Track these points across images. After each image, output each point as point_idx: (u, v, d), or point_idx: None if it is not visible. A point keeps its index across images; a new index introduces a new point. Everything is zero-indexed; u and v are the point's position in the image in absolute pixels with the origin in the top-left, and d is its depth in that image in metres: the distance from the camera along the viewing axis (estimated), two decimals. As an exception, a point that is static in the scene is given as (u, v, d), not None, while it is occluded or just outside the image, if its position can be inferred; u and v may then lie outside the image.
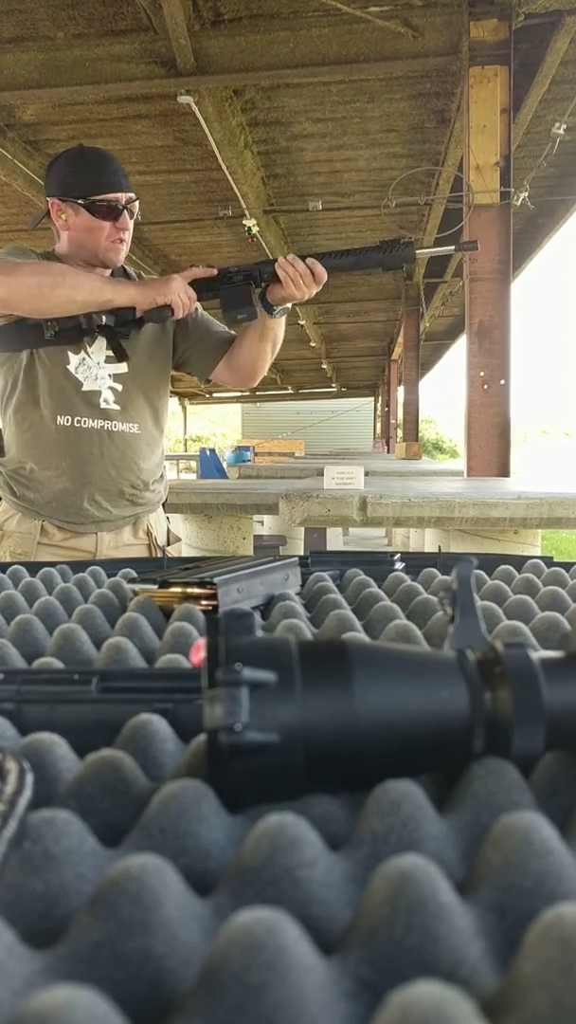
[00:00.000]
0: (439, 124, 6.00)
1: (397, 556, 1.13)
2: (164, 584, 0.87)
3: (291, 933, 0.26)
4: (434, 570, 1.05)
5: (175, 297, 1.56)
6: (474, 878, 0.33)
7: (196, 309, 1.78)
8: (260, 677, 0.38)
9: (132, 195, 1.64)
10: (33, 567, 1.09)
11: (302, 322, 12.25)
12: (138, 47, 4.78)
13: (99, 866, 0.35)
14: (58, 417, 1.64)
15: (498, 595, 0.92)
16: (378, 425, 22.69)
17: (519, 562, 1.11)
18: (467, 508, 2.73)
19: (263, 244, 7.69)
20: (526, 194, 5.23)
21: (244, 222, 7.02)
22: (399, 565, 1.09)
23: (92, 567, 1.08)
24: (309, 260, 1.54)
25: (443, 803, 0.40)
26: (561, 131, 5.22)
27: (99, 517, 1.72)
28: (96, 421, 1.66)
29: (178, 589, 0.85)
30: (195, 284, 1.60)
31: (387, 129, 6.12)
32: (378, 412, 23.15)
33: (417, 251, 1.55)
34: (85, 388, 1.65)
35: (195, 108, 5.04)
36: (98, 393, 1.66)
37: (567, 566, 1.07)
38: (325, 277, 1.56)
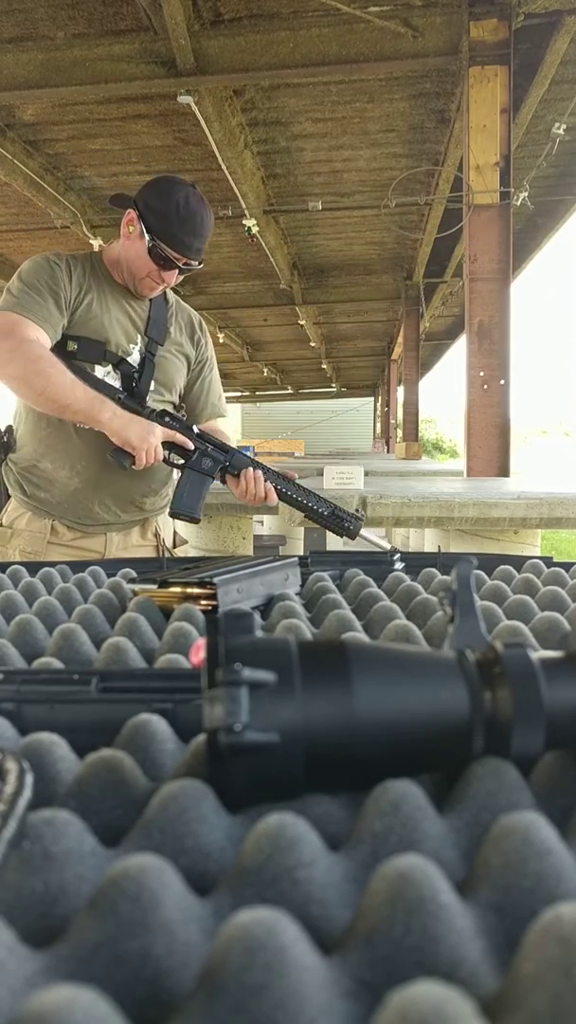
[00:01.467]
0: (439, 124, 6.00)
1: (397, 556, 1.13)
2: (164, 584, 0.87)
3: (291, 933, 0.26)
4: (434, 570, 1.05)
5: (142, 453, 1.55)
6: (474, 878, 0.33)
7: (208, 364, 1.85)
8: (260, 677, 0.38)
9: (194, 266, 1.68)
10: (33, 567, 1.09)
11: (302, 322, 12.25)
12: (138, 47, 4.78)
13: (99, 866, 0.35)
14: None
15: (498, 595, 0.92)
16: (378, 425, 22.68)
17: (519, 562, 1.11)
18: (467, 508, 2.73)
19: (263, 244, 7.69)
20: (526, 194, 5.23)
21: (244, 222, 7.02)
22: (399, 565, 1.09)
23: (92, 567, 1.08)
24: (267, 486, 1.59)
25: (443, 803, 0.40)
26: (561, 131, 5.22)
27: (108, 520, 1.74)
28: None
29: (178, 589, 0.85)
30: (167, 445, 1.60)
31: (387, 129, 6.12)
32: (378, 412, 23.14)
33: (360, 533, 1.62)
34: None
35: (195, 108, 5.04)
36: None
37: (567, 566, 1.07)
38: (274, 503, 1.62)
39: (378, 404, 23.27)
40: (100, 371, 1.65)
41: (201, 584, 0.84)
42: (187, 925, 0.30)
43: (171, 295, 1.84)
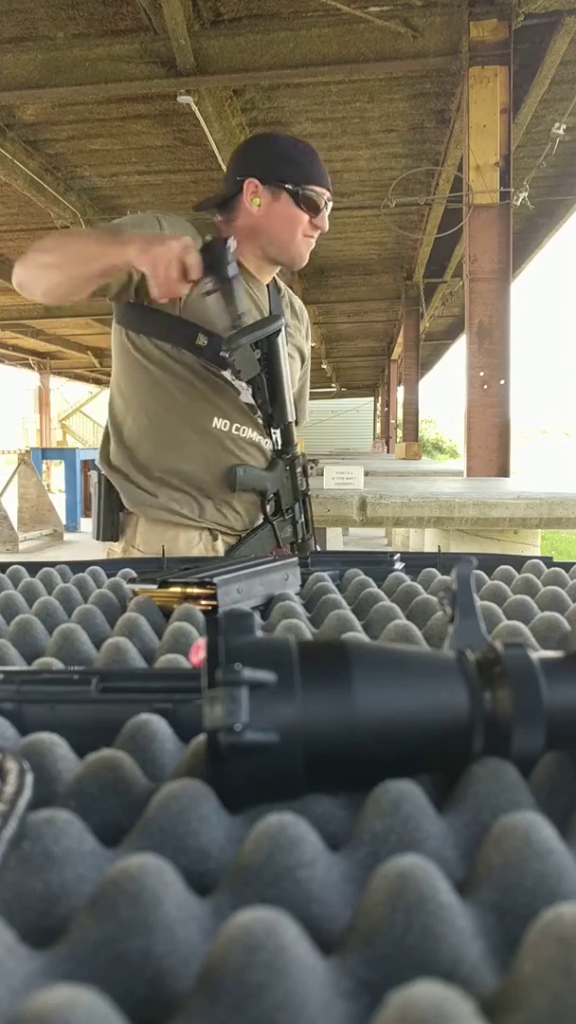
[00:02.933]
0: (439, 124, 6.00)
1: (397, 556, 1.12)
2: (164, 584, 0.87)
3: (291, 933, 0.26)
4: (434, 570, 1.05)
5: (160, 268, 1.28)
6: (474, 878, 0.33)
7: (308, 361, 1.73)
8: (260, 677, 0.38)
9: (330, 196, 1.56)
10: (33, 567, 1.09)
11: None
12: (138, 47, 4.78)
13: (99, 866, 0.35)
14: (215, 419, 1.54)
15: (498, 595, 0.92)
16: (378, 425, 22.69)
17: (519, 562, 1.11)
18: (467, 508, 2.73)
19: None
20: (526, 194, 5.23)
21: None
22: (399, 565, 1.09)
23: (92, 567, 1.08)
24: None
25: (443, 803, 0.40)
26: (561, 131, 5.21)
27: (230, 523, 1.62)
28: (252, 432, 1.59)
29: (178, 589, 0.85)
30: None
31: (387, 129, 6.12)
32: (378, 412, 23.15)
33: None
34: (243, 399, 1.55)
35: (195, 108, 5.04)
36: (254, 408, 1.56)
37: (567, 566, 1.07)
38: None
39: (378, 404, 23.28)
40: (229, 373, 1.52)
41: (201, 584, 0.84)
42: (187, 925, 0.30)
43: (284, 286, 1.73)
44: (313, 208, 1.53)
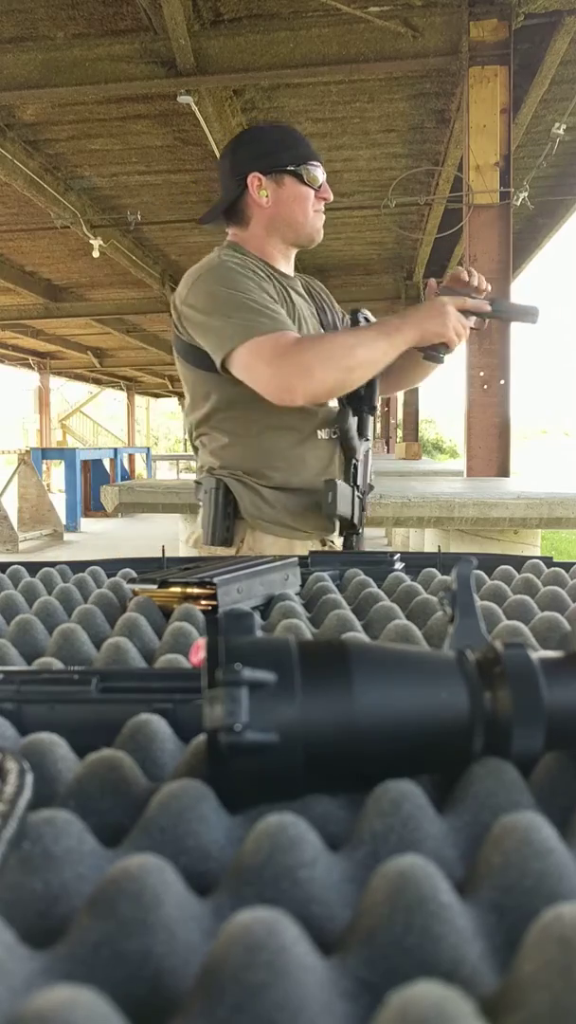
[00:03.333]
0: (439, 124, 6.00)
1: (397, 556, 1.13)
2: (164, 584, 0.87)
3: (291, 933, 0.26)
4: (434, 570, 1.05)
5: (451, 334, 1.46)
6: (474, 878, 0.33)
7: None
8: (260, 677, 0.38)
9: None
10: (33, 567, 1.09)
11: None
12: (138, 47, 4.78)
13: (99, 866, 0.35)
14: (320, 432, 1.60)
15: (498, 595, 0.92)
16: (378, 425, 22.65)
17: (519, 562, 1.11)
18: (467, 508, 2.73)
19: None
20: (526, 194, 5.23)
21: (244, 222, 7.01)
22: (399, 565, 1.09)
23: (92, 567, 1.08)
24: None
25: (443, 803, 0.40)
26: (561, 131, 5.21)
27: (328, 528, 1.65)
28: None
29: (178, 589, 0.85)
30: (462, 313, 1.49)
31: (387, 129, 6.12)
32: (378, 412, 23.12)
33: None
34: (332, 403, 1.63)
35: (195, 108, 5.04)
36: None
37: (567, 566, 1.07)
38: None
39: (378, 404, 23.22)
40: None
41: (201, 584, 0.84)
42: (187, 925, 0.30)
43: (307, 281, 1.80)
44: (316, 181, 1.59)
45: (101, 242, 7.38)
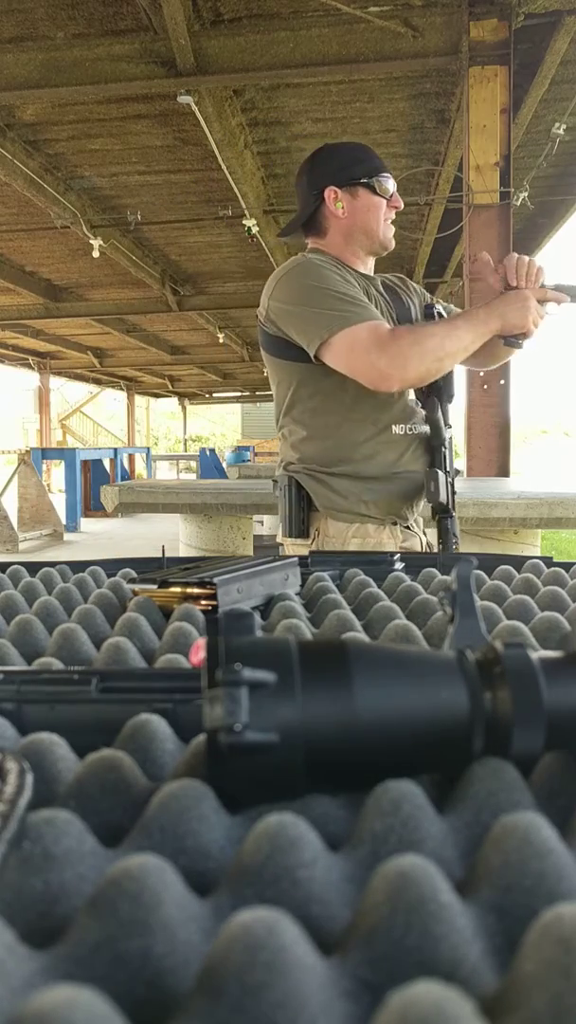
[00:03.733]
0: (439, 124, 6.00)
1: (397, 556, 1.13)
2: (164, 584, 0.87)
3: (291, 933, 0.26)
4: (434, 570, 1.05)
5: (531, 324, 1.56)
6: (474, 878, 0.33)
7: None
8: (260, 677, 0.38)
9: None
10: (33, 567, 1.09)
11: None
12: (138, 47, 4.78)
13: (99, 866, 0.35)
14: (394, 427, 1.68)
15: (498, 595, 0.92)
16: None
17: (519, 562, 1.11)
18: (467, 508, 2.73)
19: (263, 244, 7.68)
20: (526, 194, 5.23)
21: (244, 222, 7.01)
22: (399, 565, 1.09)
23: (92, 567, 1.08)
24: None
25: (443, 803, 0.40)
26: (561, 131, 5.21)
27: (403, 515, 1.74)
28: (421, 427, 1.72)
29: (178, 589, 0.85)
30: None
31: (387, 129, 6.11)
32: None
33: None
34: (411, 396, 1.72)
35: (195, 108, 5.03)
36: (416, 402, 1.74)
37: (567, 566, 1.07)
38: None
39: (378, 404, 23.21)
40: None
41: (201, 584, 0.84)
42: (187, 925, 0.30)
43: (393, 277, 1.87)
44: (387, 192, 1.70)
45: (101, 242, 7.37)
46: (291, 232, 1.80)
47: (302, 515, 1.69)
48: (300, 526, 1.69)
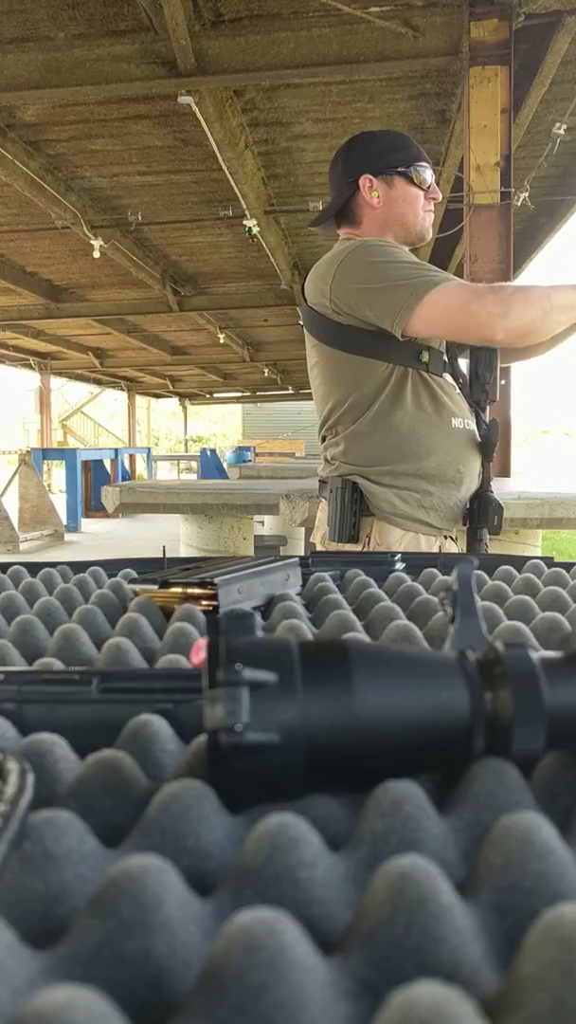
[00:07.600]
0: (439, 124, 6.00)
1: (398, 556, 1.13)
2: (164, 584, 0.87)
3: (292, 933, 0.26)
4: (435, 570, 1.05)
5: None
6: (474, 878, 0.33)
7: None
8: (260, 677, 0.38)
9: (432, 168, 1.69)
10: (34, 567, 1.09)
11: (302, 322, 12.25)
12: (138, 47, 4.78)
13: (99, 866, 0.35)
14: (453, 420, 1.64)
15: (498, 595, 0.92)
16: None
17: (519, 562, 1.11)
18: (467, 508, 2.71)
19: (263, 244, 7.69)
20: (526, 194, 5.23)
21: (244, 222, 7.01)
22: (400, 565, 1.09)
23: (92, 567, 1.08)
24: None
25: (443, 803, 0.40)
26: (561, 131, 5.21)
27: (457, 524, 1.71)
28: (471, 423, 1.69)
29: (178, 589, 0.85)
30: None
31: (387, 129, 6.11)
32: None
33: None
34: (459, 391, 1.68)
35: (195, 108, 5.03)
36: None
37: (567, 566, 1.07)
38: None
39: (379, 404, 23.21)
40: (447, 380, 1.64)
41: (202, 584, 0.84)
42: (188, 925, 0.30)
43: None
44: (424, 182, 1.64)
45: (102, 242, 7.37)
46: (323, 221, 1.75)
47: (353, 519, 1.63)
48: (351, 530, 1.62)
